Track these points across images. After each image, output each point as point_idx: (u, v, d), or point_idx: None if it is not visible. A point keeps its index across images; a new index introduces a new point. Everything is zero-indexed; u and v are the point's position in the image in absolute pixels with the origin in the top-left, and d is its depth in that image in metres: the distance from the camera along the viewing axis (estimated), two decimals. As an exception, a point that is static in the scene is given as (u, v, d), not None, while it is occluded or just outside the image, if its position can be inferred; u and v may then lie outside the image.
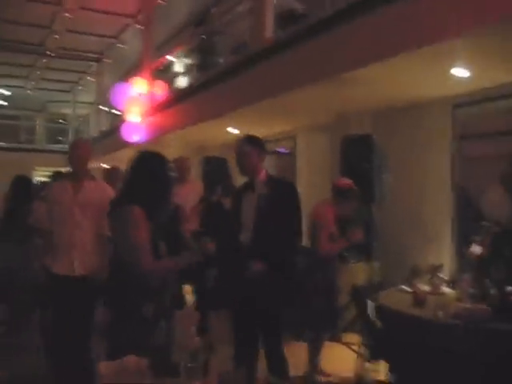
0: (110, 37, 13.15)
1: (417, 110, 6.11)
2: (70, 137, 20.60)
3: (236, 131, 9.11)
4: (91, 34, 12.87)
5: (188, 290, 5.62)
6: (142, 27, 11.31)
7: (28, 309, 5.17)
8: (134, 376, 2.09)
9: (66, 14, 11.43)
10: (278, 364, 3.50)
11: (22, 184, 5.55)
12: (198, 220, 4.85)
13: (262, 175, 3.58)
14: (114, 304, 2.80)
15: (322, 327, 4.40)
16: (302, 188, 8.16)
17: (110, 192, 4.09)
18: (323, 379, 4.48)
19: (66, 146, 20.23)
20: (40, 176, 15.95)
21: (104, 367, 2.12)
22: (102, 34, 12.94)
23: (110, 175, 5.93)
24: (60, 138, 22.19)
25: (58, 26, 12.21)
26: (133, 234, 2.69)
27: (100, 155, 14.83)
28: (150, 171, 2.88)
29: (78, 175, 4.09)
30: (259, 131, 8.99)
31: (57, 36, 12.75)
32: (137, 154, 2.99)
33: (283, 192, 3.57)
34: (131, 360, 2.16)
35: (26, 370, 4.30)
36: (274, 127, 8.78)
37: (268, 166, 9.05)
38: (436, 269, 4.36)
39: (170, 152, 10.16)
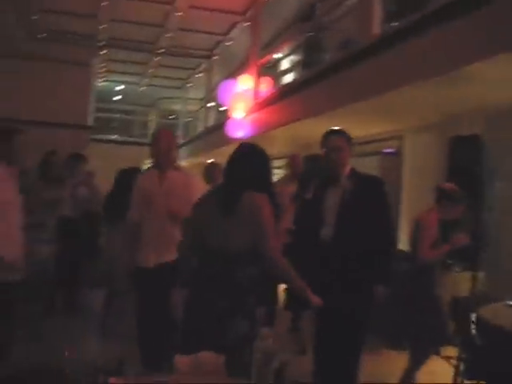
0: (219, 34, 13.39)
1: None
2: (180, 132, 21.33)
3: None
4: (201, 32, 13.16)
5: (281, 289, 5.58)
6: (250, 24, 11.41)
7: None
8: (208, 372, 2.03)
9: (178, 13, 11.76)
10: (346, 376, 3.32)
11: (125, 176, 5.73)
12: (291, 218, 4.75)
13: (348, 170, 3.45)
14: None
15: (428, 341, 4.10)
16: (406, 190, 7.95)
17: (195, 182, 4.08)
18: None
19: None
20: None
21: (180, 360, 2.08)
22: (211, 32, 13.20)
23: (210, 170, 6.00)
24: (171, 134, 23.01)
25: (169, 25, 12.61)
26: (263, 220, 2.71)
27: (206, 150, 15.21)
28: (258, 162, 2.94)
29: (162, 166, 4.04)
30: (364, 130, 8.85)
31: (168, 34, 13.18)
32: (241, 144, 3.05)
33: (370, 187, 3.40)
34: (207, 356, 2.10)
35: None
36: (379, 126, 8.51)
37: (372, 167, 8.95)
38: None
39: (275, 148, 10.21)
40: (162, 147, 4.01)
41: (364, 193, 3.33)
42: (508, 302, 3.81)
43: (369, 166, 9.64)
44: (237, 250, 2.74)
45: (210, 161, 6.54)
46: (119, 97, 21.61)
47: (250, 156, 2.95)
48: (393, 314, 4.25)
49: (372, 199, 3.33)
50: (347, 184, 3.36)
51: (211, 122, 16.01)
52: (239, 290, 2.72)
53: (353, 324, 3.31)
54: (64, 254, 5.48)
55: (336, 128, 3.57)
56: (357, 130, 8.86)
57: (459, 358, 3.89)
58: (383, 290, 3.31)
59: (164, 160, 4.03)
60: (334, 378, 3.33)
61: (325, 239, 3.34)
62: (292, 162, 5.95)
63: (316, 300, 2.83)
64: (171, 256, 3.69)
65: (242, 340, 2.44)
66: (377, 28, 6.56)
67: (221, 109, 13.90)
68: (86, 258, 6.05)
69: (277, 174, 13.02)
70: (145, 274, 3.88)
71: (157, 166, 4.09)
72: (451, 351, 4.37)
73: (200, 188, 3.95)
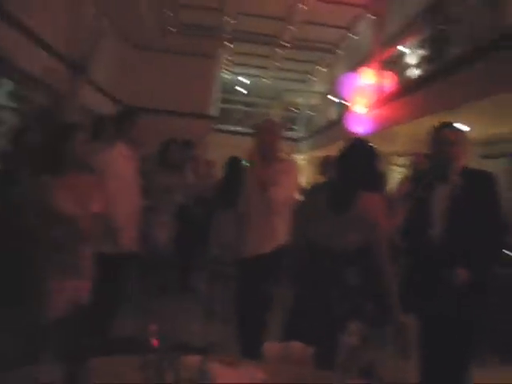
0: (343, 28, 13.24)
1: None
2: (301, 125, 21.42)
3: (465, 128, 8.49)
4: (325, 25, 13.08)
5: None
6: (375, 17, 11.17)
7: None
8: (296, 362, 2.05)
9: (302, 6, 11.78)
10: None
11: (235, 164, 5.89)
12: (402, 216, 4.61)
13: (460, 167, 3.24)
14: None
15: None
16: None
17: (294, 169, 4.01)
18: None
19: (297, 133, 21.19)
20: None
21: (269, 348, 2.11)
22: (335, 25, 13.08)
23: (324, 163, 6.00)
24: (292, 127, 23.25)
25: (294, 18, 12.67)
26: (378, 220, 2.71)
27: (326, 145, 15.16)
28: (368, 160, 2.91)
29: (267, 159, 3.91)
30: (489, 130, 8.34)
31: (293, 27, 13.25)
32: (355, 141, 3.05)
33: (481, 184, 3.18)
34: (297, 346, 2.12)
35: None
36: (507, 125, 7.99)
37: (498, 169, 8.43)
38: None
39: (397, 145, 9.95)
40: (266, 139, 3.93)
41: (474, 189, 3.13)
42: None
43: (494, 169, 9.11)
44: (343, 249, 2.72)
45: (325, 155, 6.53)
46: (243, 89, 22.10)
47: (361, 153, 2.92)
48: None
49: (483, 196, 3.13)
50: (457, 180, 3.17)
51: (333, 116, 15.91)
52: (356, 293, 2.71)
53: (462, 332, 3.11)
54: (178, 239, 5.73)
55: (449, 122, 3.39)
56: (482, 130, 8.43)
57: None
58: (465, 274, 3.00)
59: (268, 152, 3.93)
60: None
61: (433, 240, 3.17)
62: (415, 161, 5.76)
63: (402, 319, 2.74)
64: (272, 245, 3.72)
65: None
66: (510, 20, 6.14)
67: (343, 102, 13.77)
68: (198, 242, 6.28)
69: (398, 172, 12.72)
70: (245, 264, 3.92)
71: (261, 157, 3.97)
72: None
73: (297, 174, 4.00)
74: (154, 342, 1.39)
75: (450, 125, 3.36)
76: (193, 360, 1.40)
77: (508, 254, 4.73)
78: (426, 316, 3.07)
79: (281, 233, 3.74)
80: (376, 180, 2.94)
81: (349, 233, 2.72)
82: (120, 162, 3.91)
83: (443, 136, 3.27)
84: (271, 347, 2.12)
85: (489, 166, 9.27)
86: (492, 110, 7.01)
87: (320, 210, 2.85)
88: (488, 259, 3.13)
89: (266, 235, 3.84)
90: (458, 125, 3.42)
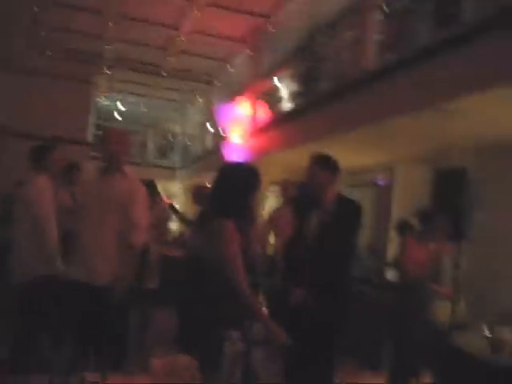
0: (221, 59, 13.65)
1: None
2: (177, 154, 21.49)
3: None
4: (203, 56, 13.41)
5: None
6: (251, 52, 11.68)
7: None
8: (183, 375, 2.14)
9: (182, 37, 12.03)
10: None
11: None
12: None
13: (331, 195, 3.55)
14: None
15: (406, 367, 4.17)
16: (396, 220, 8.07)
17: (140, 190, 3.70)
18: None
19: (173, 161, 21.21)
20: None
21: (157, 363, 2.19)
22: (213, 57, 13.46)
23: (197, 192, 6.11)
24: (168, 155, 23.22)
25: (173, 48, 12.87)
26: (226, 249, 2.66)
27: (203, 173, 15.35)
28: (235, 181, 2.84)
29: (108, 170, 3.65)
30: (357, 160, 9.02)
31: (172, 57, 13.44)
32: (223, 165, 3.03)
33: (347, 211, 3.52)
34: (183, 359, 2.21)
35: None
36: (372, 156, 8.69)
37: (363, 197, 9.08)
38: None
39: (270, 174, 10.32)
40: (111, 149, 3.64)
41: (341, 216, 3.44)
42: (483, 332, 3.89)
43: (362, 196, 9.82)
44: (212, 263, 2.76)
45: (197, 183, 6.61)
46: (120, 116, 21.80)
47: (228, 178, 2.88)
48: (373, 335, 4.34)
49: (347, 224, 3.45)
50: (329, 207, 3.47)
51: (209, 145, 16.20)
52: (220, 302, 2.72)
53: (323, 342, 3.36)
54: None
55: (319, 155, 3.67)
56: (350, 160, 9.08)
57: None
58: (301, 294, 3.30)
59: (111, 164, 3.65)
60: None
61: (305, 260, 3.44)
62: (283, 188, 6.11)
63: (282, 336, 2.62)
64: (107, 272, 3.44)
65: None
66: (370, 61, 6.78)
67: (219, 132, 14.11)
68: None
69: (274, 199, 13.17)
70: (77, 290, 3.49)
71: (104, 170, 3.70)
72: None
73: (145, 196, 3.72)
74: None
75: (316, 158, 3.65)
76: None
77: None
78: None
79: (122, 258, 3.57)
80: (243, 205, 2.82)
81: (210, 251, 2.80)
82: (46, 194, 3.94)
83: (308, 169, 3.58)
84: (158, 363, 2.20)
85: (354, 194, 10.01)
86: (357, 142, 7.60)
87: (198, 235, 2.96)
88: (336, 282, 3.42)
89: (97, 259, 3.60)
90: (323, 158, 3.68)
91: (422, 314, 4.09)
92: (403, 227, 6.31)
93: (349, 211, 3.52)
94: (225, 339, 1.92)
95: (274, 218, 5.80)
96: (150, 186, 5.97)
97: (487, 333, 3.73)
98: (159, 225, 5.76)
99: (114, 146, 3.64)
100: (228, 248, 2.67)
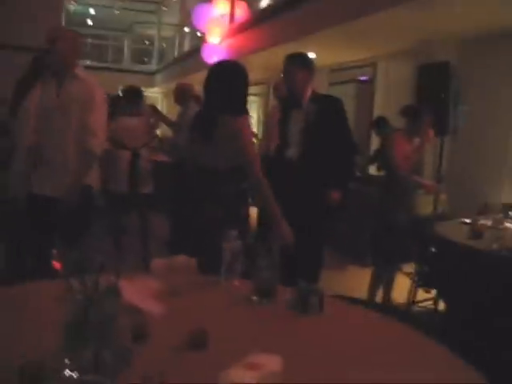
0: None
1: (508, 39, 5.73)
2: (155, 58, 20.93)
3: (313, 56, 8.95)
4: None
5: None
6: None
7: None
8: (182, 273, 2.24)
9: None
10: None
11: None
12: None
13: (309, 93, 3.54)
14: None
15: (389, 259, 4.36)
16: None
17: (97, 94, 3.35)
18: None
19: (151, 66, 20.70)
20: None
21: (156, 263, 2.28)
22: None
23: (180, 91, 6.03)
24: (145, 59, 22.66)
25: None
26: (248, 146, 2.74)
27: (181, 76, 15.05)
28: (233, 78, 2.84)
29: (59, 74, 3.32)
30: (338, 57, 8.89)
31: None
32: (214, 64, 2.96)
33: (330, 108, 3.54)
34: (181, 259, 2.30)
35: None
36: (354, 53, 8.57)
37: (346, 94, 9.03)
38: (509, 208, 4.24)
39: (252, 75, 10.14)
40: (60, 50, 3.30)
41: (325, 113, 3.47)
42: (462, 219, 4.07)
43: (344, 93, 9.80)
44: (220, 168, 2.79)
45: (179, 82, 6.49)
46: (90, 21, 20.96)
47: (227, 75, 2.85)
48: (358, 231, 4.50)
49: (332, 118, 3.48)
50: (310, 106, 3.50)
51: (186, 47, 15.76)
52: (230, 200, 2.81)
53: (311, 237, 3.49)
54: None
55: (295, 53, 3.62)
56: (332, 57, 8.96)
57: (416, 271, 4.20)
58: (338, 195, 3.44)
59: (61, 67, 3.32)
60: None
61: (290, 160, 3.51)
62: (275, 87, 6.06)
63: (289, 234, 2.81)
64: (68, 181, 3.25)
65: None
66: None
67: (196, 34, 13.67)
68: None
69: (253, 102, 13.01)
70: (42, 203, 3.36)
71: (54, 74, 3.37)
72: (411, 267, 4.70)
73: (102, 100, 3.42)
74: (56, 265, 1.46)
75: (291, 56, 3.59)
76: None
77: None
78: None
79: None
80: (240, 102, 2.84)
81: (218, 157, 2.79)
82: None
83: (284, 67, 3.56)
84: (157, 262, 2.29)
85: (336, 91, 9.96)
86: (338, 39, 7.45)
87: (192, 140, 2.93)
88: (344, 177, 3.51)
89: (62, 170, 3.43)
90: (299, 55, 3.61)
91: (404, 205, 4.21)
92: (380, 124, 6.37)
93: (330, 107, 3.54)
94: (223, 238, 1.99)
95: (267, 116, 5.80)
96: (136, 93, 5.89)
97: (467, 220, 3.90)
98: (149, 131, 5.75)
99: (61, 46, 3.30)
100: (250, 146, 2.74)
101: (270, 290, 1.83)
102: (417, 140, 4.18)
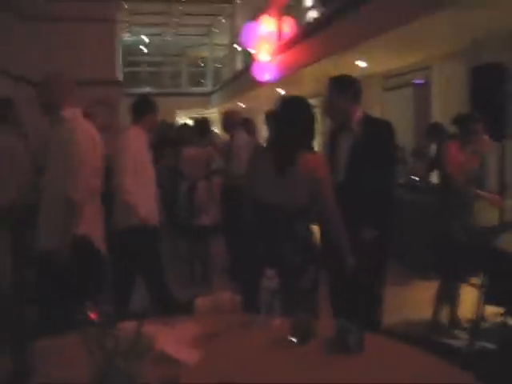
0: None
1: None
2: (209, 79, 21.28)
3: (364, 64, 8.83)
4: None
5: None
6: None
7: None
8: (226, 311, 2.22)
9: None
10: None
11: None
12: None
13: (358, 116, 3.40)
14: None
15: (451, 273, 4.17)
16: (436, 119, 7.86)
17: (81, 133, 3.12)
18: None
19: (207, 88, 21.05)
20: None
21: (200, 302, 2.27)
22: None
23: (227, 119, 6.04)
24: (202, 81, 23.08)
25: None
26: (327, 182, 2.74)
27: (235, 95, 15.23)
28: (307, 115, 2.85)
29: (51, 122, 3.24)
30: (390, 63, 8.73)
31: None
32: (287, 99, 2.96)
33: (379, 131, 3.39)
34: (226, 296, 2.28)
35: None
36: (406, 58, 8.38)
37: (403, 99, 8.82)
38: None
39: (303, 89, 10.11)
40: (42, 98, 3.22)
41: (373, 138, 3.32)
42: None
43: (400, 98, 9.60)
44: (294, 206, 2.75)
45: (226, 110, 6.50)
46: (145, 49, 21.57)
47: (297, 112, 2.85)
48: (420, 244, 4.34)
49: (380, 144, 3.34)
50: (358, 128, 3.38)
51: (239, 66, 15.94)
52: (308, 245, 2.79)
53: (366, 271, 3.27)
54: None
55: (337, 76, 3.50)
56: (386, 63, 8.80)
57: (482, 285, 3.99)
58: (370, 234, 3.24)
59: (50, 114, 3.22)
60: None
61: (337, 183, 3.39)
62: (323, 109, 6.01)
63: (353, 263, 2.85)
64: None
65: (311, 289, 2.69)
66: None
67: (247, 52, 13.80)
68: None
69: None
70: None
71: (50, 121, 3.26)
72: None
73: (84, 142, 3.13)
74: (93, 315, 1.46)
75: (332, 80, 3.45)
76: (130, 325, 1.49)
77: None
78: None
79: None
80: (312, 138, 2.84)
81: (295, 192, 2.74)
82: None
83: (326, 93, 3.44)
84: (202, 301, 2.28)
85: (392, 96, 9.76)
86: (390, 45, 7.31)
87: (263, 173, 2.85)
88: (379, 215, 3.34)
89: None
90: (338, 78, 3.47)
91: (462, 216, 4.03)
92: (435, 131, 6.13)
93: (379, 130, 3.40)
94: (263, 275, 1.96)
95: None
96: (202, 124, 5.96)
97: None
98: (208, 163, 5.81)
99: (44, 93, 3.20)
100: (327, 182, 2.74)
101: (309, 329, 1.77)
102: (470, 149, 3.99)
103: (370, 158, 3.26)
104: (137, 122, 3.96)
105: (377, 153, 3.28)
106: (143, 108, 3.99)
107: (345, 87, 3.40)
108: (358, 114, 3.40)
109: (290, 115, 2.84)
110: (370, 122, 3.41)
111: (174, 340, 1.75)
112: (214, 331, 1.87)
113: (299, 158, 2.72)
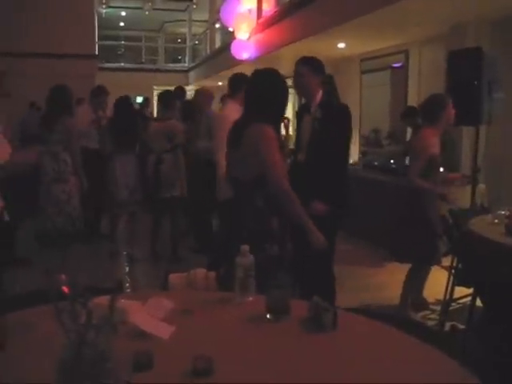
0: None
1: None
2: (188, 56, 21.03)
3: (343, 45, 8.81)
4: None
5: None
6: None
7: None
8: (200, 288, 2.21)
9: None
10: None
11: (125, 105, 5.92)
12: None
13: (318, 97, 3.48)
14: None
15: (420, 259, 4.20)
16: (413, 103, 7.90)
17: None
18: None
19: (185, 64, 20.80)
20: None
21: (174, 278, 2.26)
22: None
23: (197, 97, 6.05)
24: (179, 58, 22.80)
25: None
26: (268, 153, 2.65)
27: (213, 73, 15.08)
28: (270, 88, 2.79)
29: None
30: (369, 45, 8.71)
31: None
32: (254, 72, 2.90)
33: (336, 116, 3.45)
34: (200, 273, 2.27)
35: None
36: (385, 41, 8.38)
37: (381, 81, 8.82)
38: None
39: (281, 69, 10.05)
40: None
41: (329, 121, 3.39)
42: (501, 213, 3.85)
43: (378, 81, 9.62)
44: (248, 178, 2.73)
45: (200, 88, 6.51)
46: (123, 23, 21.19)
47: (260, 83, 2.83)
48: (393, 230, 4.37)
49: (335, 127, 3.39)
50: (317, 112, 3.45)
51: (217, 44, 15.76)
52: (262, 214, 2.75)
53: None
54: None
55: (305, 56, 3.53)
56: (364, 45, 8.78)
57: (452, 267, 4.06)
58: (321, 207, 3.27)
59: None
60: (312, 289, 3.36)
61: (299, 164, 3.52)
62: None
63: (322, 239, 2.81)
64: None
65: (272, 261, 2.63)
66: None
67: (226, 30, 13.65)
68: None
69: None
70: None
71: None
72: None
73: None
74: (65, 289, 1.45)
75: (301, 59, 3.51)
76: (102, 300, 1.47)
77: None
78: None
79: None
80: (271, 111, 2.76)
81: (246, 165, 2.73)
82: None
83: (295, 70, 3.49)
84: (176, 277, 2.26)
85: (370, 79, 9.77)
86: (369, 27, 7.29)
87: (228, 147, 2.88)
88: (328, 190, 3.36)
89: None
90: (309, 59, 3.51)
91: (431, 199, 4.06)
92: (410, 114, 6.15)
93: (335, 114, 3.45)
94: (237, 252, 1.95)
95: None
96: (165, 97, 5.90)
97: (504, 215, 3.69)
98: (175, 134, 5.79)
99: None
100: (270, 152, 2.65)
101: (284, 307, 1.77)
102: (442, 131, 4.04)
103: (325, 140, 3.35)
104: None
105: (332, 135, 3.36)
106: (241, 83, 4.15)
107: (318, 70, 3.48)
108: (319, 96, 3.49)
109: (251, 88, 2.86)
110: (327, 105, 3.47)
111: (147, 315, 1.74)
112: (187, 307, 1.86)
113: (246, 130, 2.70)
